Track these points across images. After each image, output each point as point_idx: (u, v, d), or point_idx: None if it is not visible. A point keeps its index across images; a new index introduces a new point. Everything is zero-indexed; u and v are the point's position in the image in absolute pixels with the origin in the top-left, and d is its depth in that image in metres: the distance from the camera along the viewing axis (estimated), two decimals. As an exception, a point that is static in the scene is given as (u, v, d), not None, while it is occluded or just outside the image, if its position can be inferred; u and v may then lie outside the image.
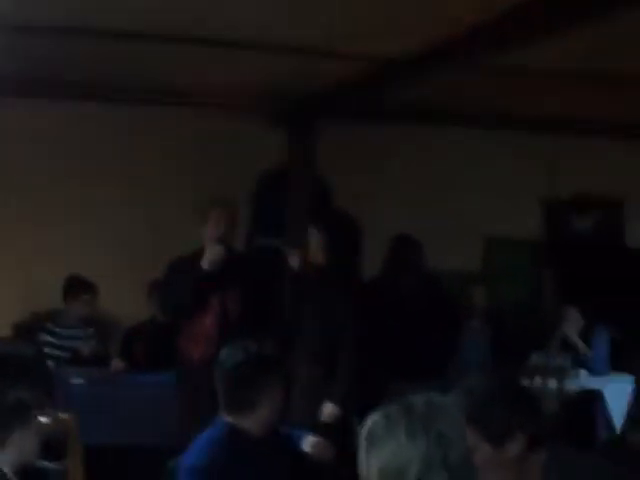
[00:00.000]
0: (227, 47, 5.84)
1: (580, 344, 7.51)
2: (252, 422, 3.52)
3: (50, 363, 6.02)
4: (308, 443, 3.78)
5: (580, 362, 7.34)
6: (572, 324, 7.56)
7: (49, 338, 6.40)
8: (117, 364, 6.51)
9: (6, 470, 3.52)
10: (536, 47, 5.31)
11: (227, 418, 3.54)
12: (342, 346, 5.47)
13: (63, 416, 4.95)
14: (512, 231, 8.46)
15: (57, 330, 6.45)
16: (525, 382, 6.27)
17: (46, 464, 3.79)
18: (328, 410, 5.46)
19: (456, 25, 5.27)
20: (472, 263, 8.24)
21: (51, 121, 7.11)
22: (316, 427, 3.99)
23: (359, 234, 5.60)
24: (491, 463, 2.62)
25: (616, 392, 6.70)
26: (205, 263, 5.71)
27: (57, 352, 6.35)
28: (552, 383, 6.62)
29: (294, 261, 5.88)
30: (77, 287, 6.56)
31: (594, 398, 6.96)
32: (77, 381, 6.13)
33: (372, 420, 2.20)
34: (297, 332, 5.60)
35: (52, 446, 4.14)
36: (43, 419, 4.12)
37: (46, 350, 6.20)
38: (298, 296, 5.85)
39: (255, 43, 5.78)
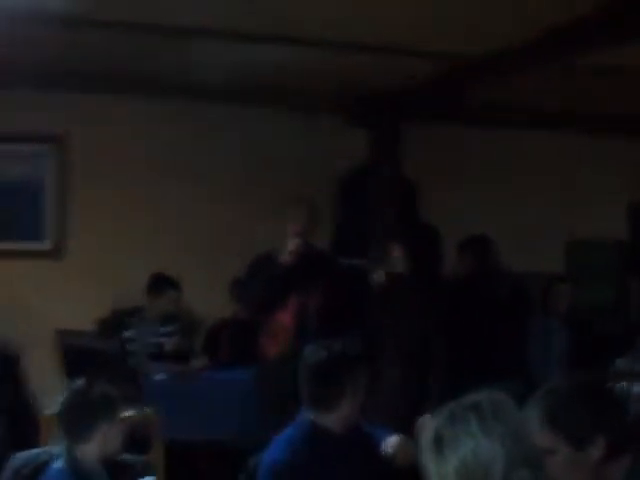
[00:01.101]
0: (307, 45, 5.85)
1: (666, 349, 7.37)
2: (334, 419, 3.53)
3: (133, 359, 6.11)
4: (389, 444, 3.72)
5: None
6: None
7: (133, 334, 6.47)
8: (199, 361, 6.57)
9: (91, 462, 3.59)
10: (617, 47, 5.26)
11: (309, 415, 3.56)
12: (434, 350, 5.30)
13: (147, 410, 5.03)
14: (597, 233, 8.36)
15: (141, 326, 6.52)
16: (609, 386, 6.17)
17: (130, 457, 3.84)
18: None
19: (537, 25, 5.23)
20: (555, 265, 8.15)
21: (132, 117, 7.19)
22: (403, 428, 3.91)
23: (440, 245, 5.62)
24: (569, 467, 2.55)
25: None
26: (284, 256, 5.75)
27: (140, 348, 6.41)
28: (636, 388, 6.50)
29: (379, 277, 5.85)
30: (161, 284, 6.62)
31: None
32: (159, 377, 6.20)
33: (436, 423, 2.16)
34: (384, 334, 5.55)
35: (136, 440, 4.20)
36: (127, 413, 4.19)
37: (129, 346, 6.28)
38: (383, 302, 5.83)
39: (335, 41, 5.77)
